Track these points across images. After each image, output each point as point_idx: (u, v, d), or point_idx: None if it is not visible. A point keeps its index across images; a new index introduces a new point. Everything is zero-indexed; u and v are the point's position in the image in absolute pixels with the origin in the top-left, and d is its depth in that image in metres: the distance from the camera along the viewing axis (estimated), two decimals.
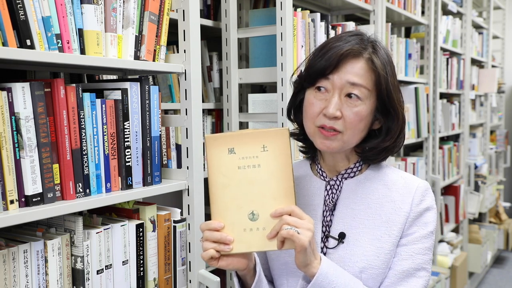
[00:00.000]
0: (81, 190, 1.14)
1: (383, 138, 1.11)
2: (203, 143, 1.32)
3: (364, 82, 1.06)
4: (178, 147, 1.89)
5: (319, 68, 1.07)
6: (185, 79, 1.37)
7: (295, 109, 1.18)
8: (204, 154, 1.46)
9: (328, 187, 1.15)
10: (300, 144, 1.23)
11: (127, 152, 1.25)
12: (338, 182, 1.15)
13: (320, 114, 1.07)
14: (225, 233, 1.00)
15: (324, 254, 1.11)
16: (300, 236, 0.95)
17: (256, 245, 1.00)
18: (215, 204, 1.02)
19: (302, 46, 1.88)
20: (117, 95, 1.23)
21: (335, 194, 1.14)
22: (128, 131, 1.25)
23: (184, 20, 1.37)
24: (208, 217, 1.44)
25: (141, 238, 1.28)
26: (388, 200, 1.11)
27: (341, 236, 1.10)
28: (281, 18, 1.77)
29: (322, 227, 1.13)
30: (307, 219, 0.98)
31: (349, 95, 1.06)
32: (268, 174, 1.00)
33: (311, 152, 1.21)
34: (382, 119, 1.10)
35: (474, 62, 4.51)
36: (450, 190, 3.80)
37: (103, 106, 1.20)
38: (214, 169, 1.01)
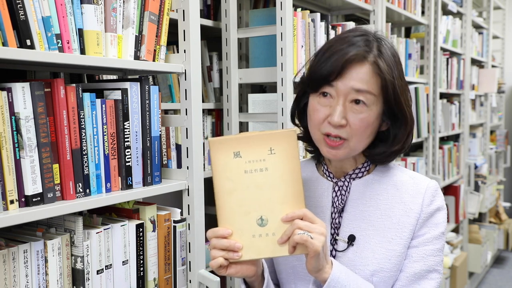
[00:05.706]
0: (81, 190, 1.14)
1: (390, 143, 1.08)
2: (203, 144, 1.32)
3: (369, 88, 1.02)
4: (178, 147, 1.88)
5: (322, 74, 1.03)
6: (185, 79, 1.37)
7: (300, 113, 1.15)
8: (204, 154, 1.46)
9: (336, 188, 1.13)
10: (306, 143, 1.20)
11: (127, 152, 1.25)
12: (346, 183, 1.12)
13: (325, 121, 1.04)
14: (233, 240, 0.97)
15: (334, 257, 1.09)
16: (314, 241, 0.92)
17: (266, 251, 0.97)
18: (222, 210, 0.98)
19: (302, 46, 1.88)
20: (117, 95, 1.23)
21: (344, 195, 1.11)
22: (128, 131, 1.25)
23: (184, 20, 1.36)
24: (208, 217, 1.43)
25: (141, 238, 1.28)
26: (398, 201, 1.09)
27: (351, 239, 1.08)
28: (281, 18, 1.77)
29: (331, 229, 1.11)
30: (319, 223, 0.95)
31: (355, 101, 1.02)
32: (276, 177, 0.96)
33: (317, 152, 1.18)
34: (390, 122, 1.08)
35: (474, 62, 4.51)
36: (450, 190, 3.80)
37: (103, 106, 1.20)
38: (219, 174, 0.97)
